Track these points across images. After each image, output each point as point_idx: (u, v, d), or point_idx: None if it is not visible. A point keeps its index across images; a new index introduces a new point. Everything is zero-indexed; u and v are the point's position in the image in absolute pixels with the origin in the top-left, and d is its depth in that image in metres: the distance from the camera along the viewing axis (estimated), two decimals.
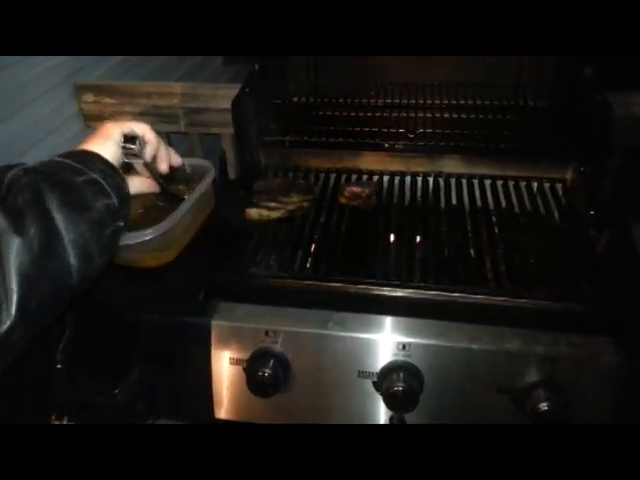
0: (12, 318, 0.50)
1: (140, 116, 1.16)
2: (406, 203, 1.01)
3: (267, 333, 0.76)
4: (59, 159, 0.61)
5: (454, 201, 1.01)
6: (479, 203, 0.99)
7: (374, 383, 0.74)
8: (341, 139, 1.10)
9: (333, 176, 1.09)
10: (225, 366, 0.78)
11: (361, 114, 1.17)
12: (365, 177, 1.09)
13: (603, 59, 0.90)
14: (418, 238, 0.90)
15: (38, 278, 0.52)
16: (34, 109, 1.04)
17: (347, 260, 0.86)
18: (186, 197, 0.84)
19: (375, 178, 1.08)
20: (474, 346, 0.72)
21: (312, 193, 1.00)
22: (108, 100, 1.17)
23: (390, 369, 0.73)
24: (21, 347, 0.53)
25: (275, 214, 0.95)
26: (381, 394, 0.73)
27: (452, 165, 1.07)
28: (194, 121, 1.16)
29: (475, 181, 1.05)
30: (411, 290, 0.77)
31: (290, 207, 0.96)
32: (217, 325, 0.77)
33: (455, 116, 1.15)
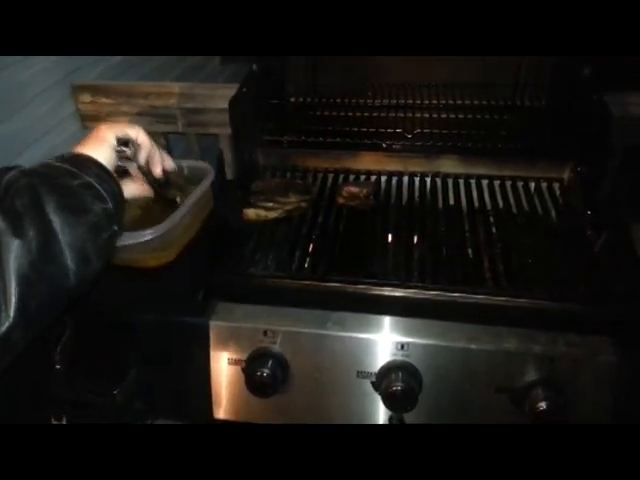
0: (11, 319, 0.50)
1: (137, 116, 1.15)
2: (404, 203, 1.01)
3: (266, 333, 0.76)
4: (56, 163, 0.60)
5: (452, 201, 1.01)
6: (477, 203, 1.00)
7: (373, 383, 0.74)
8: (339, 139, 1.09)
9: (331, 176, 1.10)
10: (224, 366, 0.78)
11: (359, 114, 1.16)
12: (363, 177, 1.09)
13: (601, 59, 0.90)
14: (416, 238, 0.90)
15: (37, 280, 0.52)
16: (31, 109, 1.04)
17: (345, 260, 0.86)
18: (178, 200, 0.84)
19: (373, 178, 1.08)
20: (473, 346, 0.72)
21: (310, 193, 1.00)
22: (105, 100, 1.16)
23: (389, 369, 0.73)
24: (20, 348, 0.53)
25: (273, 214, 0.95)
26: (380, 394, 0.73)
27: (450, 165, 1.07)
28: (192, 121, 1.16)
29: (473, 181, 1.05)
30: (410, 290, 0.77)
31: (288, 207, 0.96)
32: (215, 325, 0.77)
33: (453, 116, 1.14)
